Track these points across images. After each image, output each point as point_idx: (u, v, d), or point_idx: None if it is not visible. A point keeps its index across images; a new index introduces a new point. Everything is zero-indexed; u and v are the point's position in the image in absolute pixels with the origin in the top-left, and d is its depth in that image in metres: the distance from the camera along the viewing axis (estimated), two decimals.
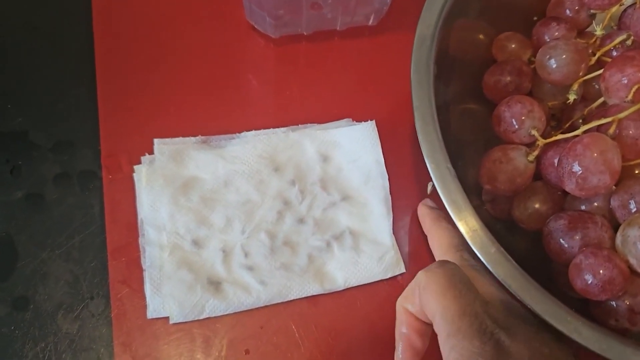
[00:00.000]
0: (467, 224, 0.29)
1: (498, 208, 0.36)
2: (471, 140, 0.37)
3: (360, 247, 0.36)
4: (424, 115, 0.31)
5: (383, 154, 0.39)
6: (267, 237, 0.36)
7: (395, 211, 0.38)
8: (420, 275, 0.28)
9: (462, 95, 0.39)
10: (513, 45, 0.39)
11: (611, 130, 0.29)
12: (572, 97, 0.35)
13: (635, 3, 0.35)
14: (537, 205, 0.34)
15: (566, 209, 0.33)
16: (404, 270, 0.36)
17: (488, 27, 0.40)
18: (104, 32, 0.41)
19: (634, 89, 0.30)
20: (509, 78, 0.36)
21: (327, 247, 0.36)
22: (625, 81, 0.30)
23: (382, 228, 0.37)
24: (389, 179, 0.38)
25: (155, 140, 0.37)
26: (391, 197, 0.38)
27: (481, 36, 0.40)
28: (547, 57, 0.35)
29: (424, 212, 0.36)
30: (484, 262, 0.28)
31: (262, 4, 0.38)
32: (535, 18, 0.41)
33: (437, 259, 0.32)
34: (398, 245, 0.37)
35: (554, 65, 0.34)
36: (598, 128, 0.30)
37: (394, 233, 0.37)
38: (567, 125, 0.36)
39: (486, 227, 0.29)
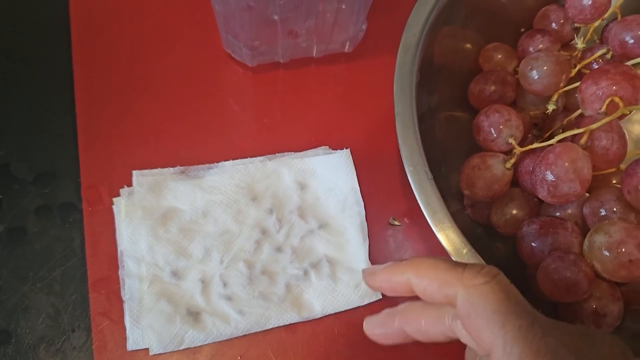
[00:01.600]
0: (441, 227, 0.29)
1: (478, 213, 0.37)
2: (456, 146, 0.38)
3: (337, 275, 0.37)
4: (405, 120, 0.32)
5: (360, 180, 0.39)
6: (245, 267, 0.36)
7: (372, 237, 0.38)
8: (460, 293, 0.22)
9: (448, 102, 0.40)
10: (499, 56, 0.40)
11: (582, 141, 0.31)
12: (551, 108, 0.36)
13: (616, 18, 0.36)
14: (514, 211, 0.35)
15: (541, 215, 0.34)
16: (380, 297, 0.37)
17: (477, 37, 0.41)
18: (84, 63, 0.41)
19: (607, 102, 0.31)
20: (492, 87, 0.37)
21: (305, 275, 0.37)
22: (600, 94, 0.31)
23: (359, 255, 0.37)
24: (365, 206, 0.39)
25: (134, 172, 0.38)
26: (368, 223, 0.38)
27: (469, 46, 0.41)
28: (529, 68, 0.36)
29: (382, 276, 0.27)
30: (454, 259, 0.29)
31: (237, 35, 0.38)
32: (522, 30, 0.42)
33: (442, 299, 0.24)
34: None
35: (536, 77, 0.35)
36: (573, 138, 0.31)
37: (370, 259, 0.38)
38: (548, 134, 0.37)
39: (467, 231, 0.30)
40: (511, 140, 0.33)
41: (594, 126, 0.30)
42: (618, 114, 0.30)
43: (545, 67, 0.35)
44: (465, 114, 0.40)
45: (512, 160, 0.33)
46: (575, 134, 0.31)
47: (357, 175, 0.39)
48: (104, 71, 0.41)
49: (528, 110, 0.38)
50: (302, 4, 0.36)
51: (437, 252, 0.30)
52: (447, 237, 0.29)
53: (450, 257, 0.29)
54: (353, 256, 0.38)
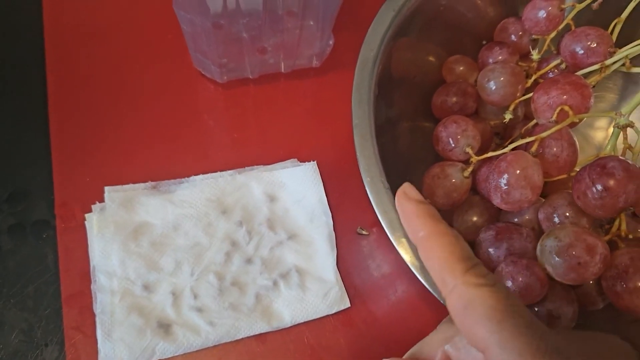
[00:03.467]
0: (398, 236, 0.30)
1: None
2: (422, 156, 0.39)
3: (305, 284, 0.38)
4: (363, 132, 0.33)
5: (328, 191, 0.40)
6: (215, 279, 0.37)
7: (341, 246, 0.39)
8: (458, 287, 0.22)
9: (412, 113, 0.41)
10: (461, 68, 0.41)
11: (533, 149, 0.32)
12: (508, 117, 0.37)
13: (570, 29, 0.37)
14: (474, 218, 0.36)
15: (500, 222, 0.35)
16: (349, 305, 0.38)
17: (439, 50, 0.42)
18: (57, 82, 0.42)
19: (557, 110, 0.32)
20: (454, 99, 0.39)
21: (274, 285, 0.38)
22: (551, 103, 0.32)
23: (327, 265, 0.38)
24: (333, 216, 0.40)
25: (106, 188, 0.39)
26: (335, 233, 0.39)
27: (432, 58, 0.42)
28: (486, 79, 0.37)
29: (410, 210, 0.26)
30: (413, 269, 0.29)
31: (205, 53, 0.40)
32: (484, 42, 0.43)
33: (437, 280, 0.24)
34: (343, 280, 0.38)
35: (493, 88, 0.36)
36: (526, 146, 0.32)
37: (338, 268, 0.39)
38: (508, 142, 0.38)
39: None
40: (468, 150, 0.34)
41: (544, 134, 0.31)
42: (568, 122, 0.31)
43: (501, 79, 0.36)
44: (432, 124, 0.41)
45: (470, 169, 0.34)
46: (529, 142, 0.32)
47: (325, 186, 0.40)
48: (78, 89, 0.42)
49: (489, 120, 0.39)
50: (267, 21, 0.37)
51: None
52: (404, 245, 0.30)
53: (409, 266, 0.30)
54: (321, 266, 0.38)
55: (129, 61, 0.44)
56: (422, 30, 0.40)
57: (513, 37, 0.41)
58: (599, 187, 0.29)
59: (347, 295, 0.38)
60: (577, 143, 0.33)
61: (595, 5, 0.35)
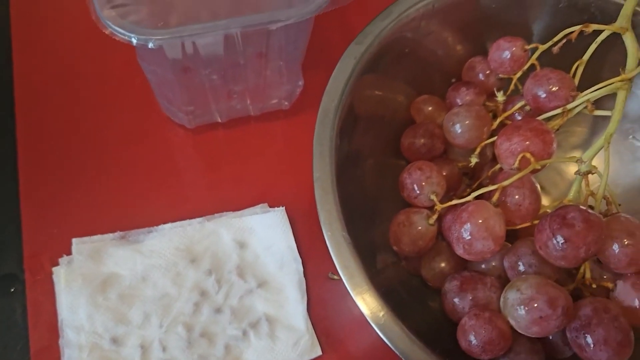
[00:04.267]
0: (359, 290, 0.30)
1: (411, 265, 0.38)
2: (391, 196, 0.39)
3: (275, 333, 0.37)
4: (324, 185, 0.32)
5: (298, 236, 0.40)
6: (184, 330, 0.37)
7: (312, 292, 0.39)
8: None
9: (382, 153, 0.41)
10: (429, 108, 0.41)
11: (494, 198, 0.31)
12: (473, 161, 0.37)
13: (536, 69, 0.37)
14: (442, 265, 0.36)
15: (468, 269, 0.35)
16: (320, 353, 0.37)
17: (408, 90, 0.42)
18: (27, 131, 0.42)
19: (518, 158, 0.31)
20: (422, 140, 0.38)
21: (244, 335, 0.37)
22: (513, 149, 0.32)
23: (297, 313, 0.38)
24: (303, 262, 0.39)
25: (74, 240, 0.39)
26: (306, 279, 0.39)
27: (401, 98, 0.42)
28: (451, 123, 0.37)
29: None
30: (373, 325, 0.29)
31: (171, 101, 0.40)
32: (453, 80, 0.43)
33: None
34: (314, 327, 0.38)
35: (458, 131, 0.36)
36: (490, 194, 0.32)
37: (310, 315, 0.38)
38: (476, 184, 0.38)
39: (403, 282, 0.33)
40: (433, 197, 0.34)
41: (505, 183, 0.31)
42: (529, 169, 0.31)
43: (466, 122, 0.36)
44: (404, 162, 0.41)
45: (434, 217, 0.34)
46: (492, 190, 0.32)
47: (296, 230, 0.40)
48: (47, 139, 0.42)
49: (457, 162, 0.39)
50: (230, 66, 0.37)
51: None
52: (364, 299, 0.30)
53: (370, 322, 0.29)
54: (292, 313, 0.38)
55: (98, 108, 0.44)
56: (390, 68, 0.40)
57: (480, 76, 0.41)
58: (560, 238, 0.29)
59: (318, 343, 0.37)
60: (539, 190, 0.32)
61: (555, 49, 0.35)
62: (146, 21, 0.31)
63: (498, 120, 0.37)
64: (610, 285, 0.31)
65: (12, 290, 0.38)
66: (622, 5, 0.35)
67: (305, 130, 0.44)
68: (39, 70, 0.45)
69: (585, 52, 0.35)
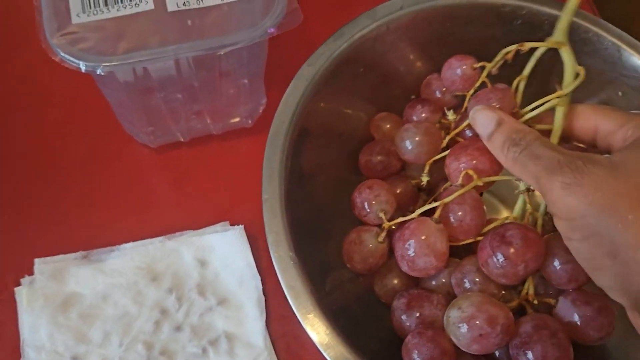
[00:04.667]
0: (304, 312, 0.30)
1: (367, 281, 0.38)
2: (350, 213, 0.40)
3: (234, 351, 0.38)
4: (272, 207, 0.33)
5: (258, 254, 0.40)
6: (144, 349, 0.37)
7: (271, 309, 0.39)
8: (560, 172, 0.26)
9: (340, 169, 0.41)
10: (387, 125, 0.42)
11: (436, 215, 0.32)
12: (425, 179, 0.37)
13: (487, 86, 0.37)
14: (394, 282, 0.36)
15: (419, 285, 0.36)
16: None
17: (369, 107, 0.43)
18: None
19: (462, 175, 0.32)
20: (378, 157, 0.39)
21: (203, 353, 0.38)
22: (461, 168, 0.33)
23: (256, 330, 0.38)
24: (262, 279, 0.40)
25: (36, 260, 0.39)
26: (266, 296, 0.40)
27: (360, 114, 0.43)
28: (401, 139, 0.37)
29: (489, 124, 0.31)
30: (317, 344, 0.30)
31: (132, 122, 0.40)
32: (412, 97, 0.43)
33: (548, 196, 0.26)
34: (274, 344, 0.39)
35: (409, 147, 0.37)
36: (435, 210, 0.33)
37: (269, 332, 0.39)
38: (431, 199, 0.38)
39: (363, 299, 0.33)
40: (381, 215, 0.35)
41: (447, 199, 0.32)
42: (471, 186, 0.32)
43: (416, 138, 0.36)
44: (363, 178, 0.41)
45: (383, 234, 0.34)
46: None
47: (256, 248, 0.41)
48: (9, 158, 0.43)
49: (412, 179, 0.39)
50: (186, 87, 0.38)
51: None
52: (308, 320, 0.30)
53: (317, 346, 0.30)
54: (251, 330, 0.39)
55: (62, 128, 0.44)
56: (348, 85, 0.40)
57: (437, 93, 0.41)
58: (500, 256, 0.29)
59: None
60: (482, 206, 0.33)
61: (494, 70, 0.36)
62: (96, 48, 0.31)
63: (448, 137, 0.37)
64: (552, 301, 0.32)
65: None
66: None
67: None
68: (2, 90, 0.45)
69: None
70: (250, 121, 0.45)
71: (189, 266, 0.40)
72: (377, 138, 0.42)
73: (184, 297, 0.39)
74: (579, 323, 0.30)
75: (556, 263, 0.31)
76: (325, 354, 0.30)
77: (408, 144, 0.37)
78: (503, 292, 0.32)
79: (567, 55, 0.33)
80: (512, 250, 0.29)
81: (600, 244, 0.24)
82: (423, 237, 0.31)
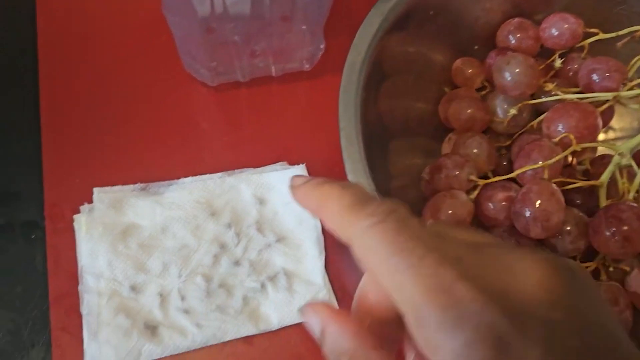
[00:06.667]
0: None
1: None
2: (413, 164, 0.40)
3: (293, 287, 0.38)
4: (349, 135, 0.33)
5: None
6: (203, 281, 0.37)
7: (329, 249, 0.39)
8: (355, 236, 0.20)
9: (418, 108, 0.41)
10: (470, 70, 0.42)
11: (546, 175, 0.32)
12: (512, 112, 0.37)
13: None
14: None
15: None
16: (337, 307, 0.37)
17: (443, 49, 0.42)
18: (50, 85, 0.43)
19: (561, 136, 0.32)
20: (469, 111, 0.39)
21: (262, 288, 0.38)
22: (561, 128, 0.33)
23: (315, 268, 0.38)
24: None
25: (95, 189, 0.39)
26: (324, 236, 0.39)
27: (432, 55, 0.42)
28: (506, 63, 0.37)
29: (304, 189, 0.23)
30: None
31: (195, 57, 0.40)
32: (476, 47, 0.43)
33: (339, 231, 0.21)
34: (331, 283, 0.38)
35: (509, 76, 0.36)
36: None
37: (327, 271, 0.38)
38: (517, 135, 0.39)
39: None
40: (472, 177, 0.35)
41: (550, 161, 0.32)
42: (569, 151, 0.32)
43: (519, 69, 0.36)
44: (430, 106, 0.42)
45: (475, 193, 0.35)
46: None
47: None
48: (69, 91, 0.43)
49: (496, 120, 0.39)
50: (255, 26, 0.38)
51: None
52: None
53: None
54: (310, 269, 0.38)
55: (120, 63, 0.44)
56: (422, 27, 0.40)
57: (512, 39, 0.40)
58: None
59: (335, 298, 0.38)
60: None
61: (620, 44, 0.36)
62: None
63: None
64: (627, 268, 0.31)
65: (33, 237, 0.38)
66: None
67: (326, 93, 0.45)
68: (63, 24, 0.45)
69: None
70: (308, 65, 0.44)
71: (248, 203, 0.40)
72: (457, 83, 0.42)
73: (242, 233, 0.39)
74: None
75: None
76: None
77: (509, 73, 0.36)
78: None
79: None
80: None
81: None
82: (549, 195, 0.31)
